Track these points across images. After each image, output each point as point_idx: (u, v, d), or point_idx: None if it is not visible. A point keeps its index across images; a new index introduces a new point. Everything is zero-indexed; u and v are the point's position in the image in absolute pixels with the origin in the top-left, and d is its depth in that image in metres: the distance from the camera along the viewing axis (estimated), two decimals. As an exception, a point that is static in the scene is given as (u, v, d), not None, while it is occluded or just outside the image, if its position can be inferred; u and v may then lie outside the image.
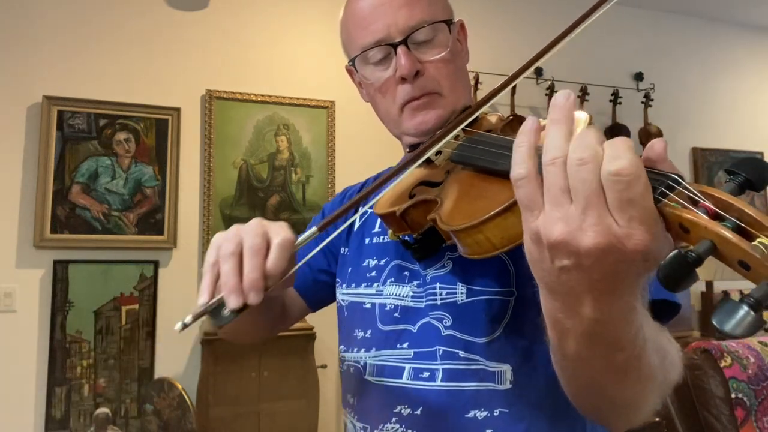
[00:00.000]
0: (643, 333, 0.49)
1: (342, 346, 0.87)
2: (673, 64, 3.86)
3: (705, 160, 3.84)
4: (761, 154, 4.02)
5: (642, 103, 3.59)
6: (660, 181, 0.40)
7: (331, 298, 0.97)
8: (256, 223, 0.62)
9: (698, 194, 0.39)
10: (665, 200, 0.39)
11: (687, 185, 0.40)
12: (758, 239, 0.36)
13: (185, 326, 0.56)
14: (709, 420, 1.70)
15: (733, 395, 1.69)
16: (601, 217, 0.39)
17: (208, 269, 0.60)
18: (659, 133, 3.59)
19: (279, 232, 0.61)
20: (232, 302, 0.56)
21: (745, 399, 1.71)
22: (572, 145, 0.41)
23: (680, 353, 0.59)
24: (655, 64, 3.72)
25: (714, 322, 0.36)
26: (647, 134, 3.58)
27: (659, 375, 0.54)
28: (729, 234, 0.36)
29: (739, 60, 4.10)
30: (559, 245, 0.41)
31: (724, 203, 0.38)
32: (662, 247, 0.40)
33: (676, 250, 0.37)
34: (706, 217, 0.37)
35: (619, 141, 0.40)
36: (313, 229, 0.61)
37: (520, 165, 0.43)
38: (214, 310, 0.58)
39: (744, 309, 0.35)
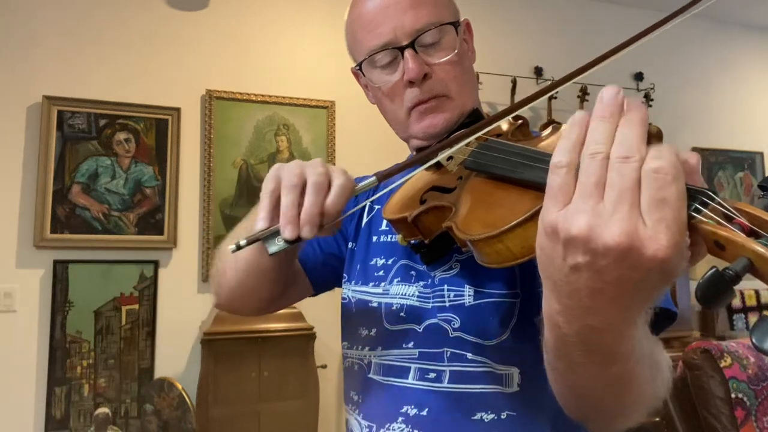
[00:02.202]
0: (639, 347, 0.48)
1: (345, 343, 0.87)
2: (673, 64, 3.86)
3: (705, 160, 3.84)
4: (761, 154, 4.02)
5: (642, 103, 3.59)
6: (694, 196, 0.40)
7: (335, 282, 0.96)
8: (319, 162, 0.65)
9: (732, 210, 0.39)
10: (700, 216, 0.39)
11: (721, 201, 0.39)
12: None
13: (239, 248, 0.59)
14: (709, 420, 1.70)
15: (733, 395, 1.69)
16: (630, 215, 0.38)
17: (266, 196, 0.62)
18: (659, 133, 3.58)
19: (340, 174, 0.64)
20: (288, 232, 0.58)
21: (745, 399, 1.71)
22: (617, 140, 0.41)
23: (671, 368, 0.59)
24: (655, 64, 3.72)
25: (753, 341, 0.36)
26: (647, 134, 3.58)
27: (649, 390, 0.54)
28: (766, 252, 0.36)
29: (739, 60, 4.10)
30: (577, 240, 0.40)
31: (759, 220, 0.38)
32: (681, 262, 0.39)
33: (714, 268, 0.37)
34: (742, 235, 0.37)
35: (666, 145, 0.40)
36: (373, 178, 0.63)
37: (563, 153, 0.43)
38: (268, 237, 0.60)
39: None
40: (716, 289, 0.36)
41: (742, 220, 0.38)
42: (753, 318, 3.45)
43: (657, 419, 1.78)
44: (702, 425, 1.73)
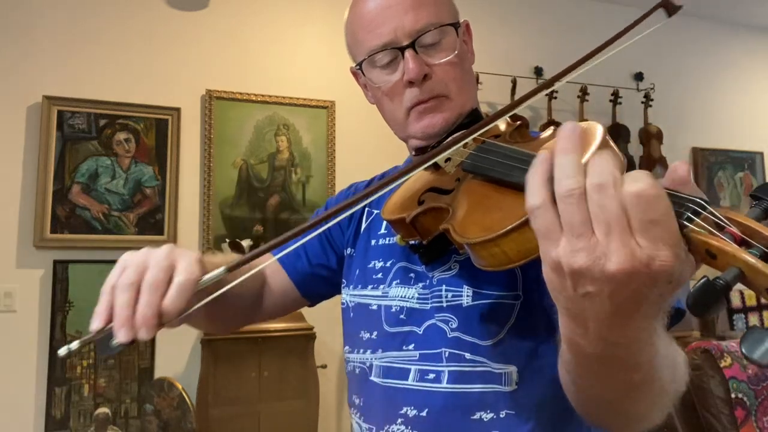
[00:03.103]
0: (659, 350, 0.49)
1: (347, 347, 0.87)
2: (673, 64, 3.85)
3: (705, 160, 3.84)
4: (761, 154, 4.02)
5: (642, 103, 3.59)
6: (686, 206, 0.40)
7: (330, 292, 0.97)
8: (165, 254, 0.59)
9: (724, 220, 0.39)
10: (691, 225, 0.40)
11: (712, 210, 0.40)
12: None
13: (70, 351, 0.55)
14: (709, 420, 1.70)
15: (733, 395, 1.69)
16: (624, 242, 0.39)
17: (105, 292, 0.58)
18: (659, 133, 3.58)
19: (184, 269, 0.58)
20: (121, 336, 0.55)
21: (745, 399, 1.71)
22: (589, 172, 0.41)
23: (686, 363, 0.60)
24: (655, 64, 3.72)
25: (743, 350, 0.36)
26: (647, 134, 3.58)
27: (671, 389, 0.54)
28: (757, 262, 0.36)
29: (739, 60, 4.10)
30: (583, 272, 0.40)
31: (750, 230, 0.39)
32: (686, 269, 0.40)
33: (705, 278, 0.37)
34: (734, 245, 0.38)
35: (636, 171, 0.40)
36: (222, 269, 0.59)
37: (534, 195, 0.43)
38: (103, 339, 0.56)
39: None
40: (707, 299, 0.37)
41: (734, 229, 0.39)
42: (753, 318, 3.45)
43: (657, 419, 1.78)
44: (702, 425, 1.72)
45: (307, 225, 0.60)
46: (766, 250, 0.37)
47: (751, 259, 0.36)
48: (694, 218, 0.40)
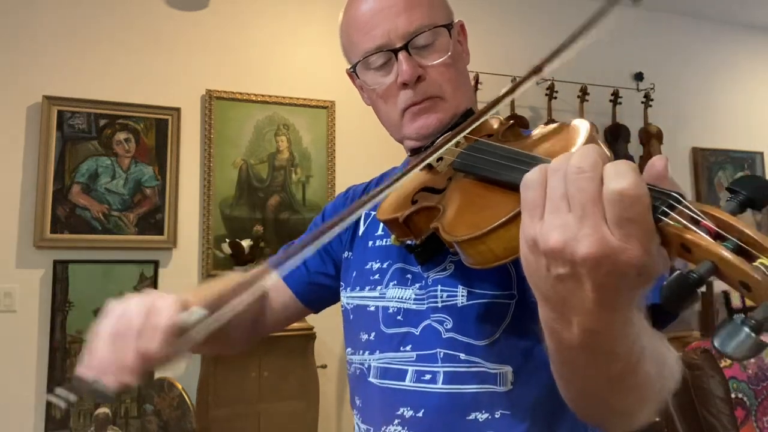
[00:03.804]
0: (640, 343, 0.49)
1: (349, 349, 0.88)
2: (673, 64, 3.85)
3: (705, 160, 3.84)
4: (761, 154, 4.02)
5: (642, 103, 3.59)
6: (661, 200, 0.41)
7: (332, 298, 0.97)
8: (146, 299, 0.61)
9: (699, 213, 0.39)
10: (666, 219, 0.40)
11: (688, 204, 0.40)
12: (759, 260, 0.36)
13: (69, 403, 0.58)
14: (709, 420, 1.70)
15: (733, 395, 1.69)
16: (596, 227, 0.40)
17: (90, 341, 0.61)
18: (659, 133, 3.58)
19: (163, 313, 0.60)
20: (109, 382, 0.58)
21: (745, 399, 1.71)
22: (573, 156, 0.42)
23: (678, 360, 0.60)
24: (655, 64, 3.72)
25: (715, 344, 0.36)
26: (647, 134, 3.58)
27: (656, 384, 0.54)
28: (730, 255, 0.37)
29: (739, 60, 4.10)
30: (555, 252, 0.42)
31: (724, 223, 0.39)
32: (656, 263, 0.41)
33: (678, 271, 0.37)
34: (708, 238, 0.38)
35: (623, 161, 0.41)
36: (203, 312, 0.59)
37: (535, 170, 0.45)
38: (95, 387, 0.58)
39: (745, 331, 0.35)
40: (680, 292, 0.37)
41: (709, 223, 0.39)
42: (753, 318, 3.45)
43: (657, 419, 1.78)
44: (702, 425, 1.73)
45: (306, 241, 0.60)
46: (740, 243, 0.37)
47: (725, 253, 0.37)
48: (669, 212, 0.40)
